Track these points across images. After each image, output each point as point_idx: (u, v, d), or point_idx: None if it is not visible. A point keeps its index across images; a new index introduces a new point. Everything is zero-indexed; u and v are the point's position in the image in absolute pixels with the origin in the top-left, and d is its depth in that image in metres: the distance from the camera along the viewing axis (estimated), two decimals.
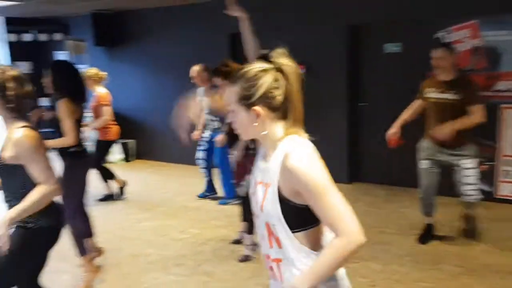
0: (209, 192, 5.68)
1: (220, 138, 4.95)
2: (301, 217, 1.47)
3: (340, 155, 6.19)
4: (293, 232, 1.46)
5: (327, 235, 1.52)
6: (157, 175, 7.22)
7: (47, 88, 3.66)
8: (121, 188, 5.91)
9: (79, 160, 3.67)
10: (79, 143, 3.59)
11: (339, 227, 1.39)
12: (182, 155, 7.14)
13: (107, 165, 5.89)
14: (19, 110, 2.37)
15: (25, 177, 2.32)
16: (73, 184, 3.59)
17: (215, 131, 5.28)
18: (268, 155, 1.53)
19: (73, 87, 3.62)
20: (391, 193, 5.73)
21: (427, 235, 4.26)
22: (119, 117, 8.28)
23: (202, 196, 5.66)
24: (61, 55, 8.65)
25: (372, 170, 6.22)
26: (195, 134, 5.61)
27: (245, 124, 1.51)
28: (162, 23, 7.59)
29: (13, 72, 2.37)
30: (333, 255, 1.40)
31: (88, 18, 7.80)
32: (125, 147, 8.05)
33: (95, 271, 3.73)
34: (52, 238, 2.50)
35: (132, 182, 6.16)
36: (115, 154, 8.11)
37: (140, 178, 6.99)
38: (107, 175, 5.74)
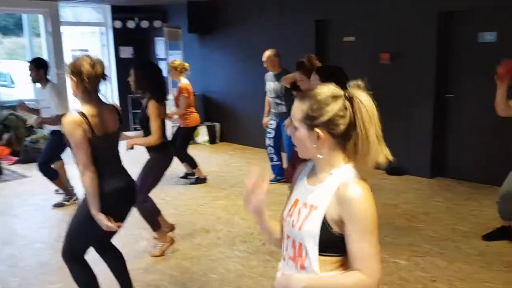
0: (281, 176, 5.79)
1: (288, 122, 5.01)
2: (334, 244, 1.47)
3: (423, 149, 5.97)
4: (320, 255, 1.48)
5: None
6: (238, 157, 7.49)
7: (131, 86, 3.90)
8: (198, 179, 6.08)
9: (162, 153, 3.94)
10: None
11: (367, 265, 1.42)
12: (264, 140, 7.33)
13: (191, 153, 6.09)
14: (89, 92, 2.66)
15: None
16: (153, 174, 3.90)
17: (283, 115, 5.37)
18: (318, 179, 1.53)
19: (156, 88, 3.82)
20: (474, 190, 5.43)
21: (496, 234, 4.03)
22: (207, 101, 8.72)
23: (275, 181, 5.79)
24: (159, 41, 9.24)
25: (456, 165, 5.91)
26: (264, 121, 5.78)
27: (304, 143, 1.52)
28: (252, 10, 7.79)
29: (90, 60, 2.67)
30: (349, 283, 1.43)
31: (184, 6, 8.23)
32: (211, 130, 8.44)
33: (169, 242, 4.05)
34: (122, 202, 2.81)
35: (214, 162, 6.50)
36: (202, 136, 8.53)
37: (222, 159, 7.32)
38: (191, 163, 6.01)
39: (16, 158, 7.33)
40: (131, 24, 9.05)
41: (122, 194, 2.77)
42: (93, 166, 2.61)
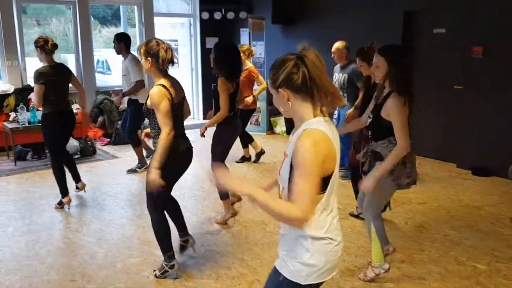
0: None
1: (349, 112, 5.04)
2: None
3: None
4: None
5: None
6: None
7: (211, 63, 4.28)
8: (258, 154, 6.67)
9: (225, 127, 4.28)
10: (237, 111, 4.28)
11: (299, 200, 1.65)
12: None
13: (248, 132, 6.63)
14: (162, 70, 3.21)
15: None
16: (219, 144, 4.29)
17: (342, 107, 5.41)
18: (295, 132, 1.81)
19: (229, 67, 4.20)
20: None
21: None
22: None
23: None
24: (244, 32, 9.41)
25: None
26: None
27: (279, 104, 1.82)
28: (338, 1, 7.69)
29: (164, 45, 3.18)
30: (278, 207, 1.68)
31: None
32: (289, 120, 8.47)
33: (232, 214, 4.42)
34: (188, 159, 3.37)
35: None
36: (280, 126, 8.61)
37: None
38: (247, 139, 6.56)
39: (108, 140, 7.88)
40: (217, 15, 9.29)
41: (189, 153, 3.36)
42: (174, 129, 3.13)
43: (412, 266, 3.58)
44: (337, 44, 5.63)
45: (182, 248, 3.67)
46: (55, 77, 4.61)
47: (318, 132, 1.71)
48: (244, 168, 6.41)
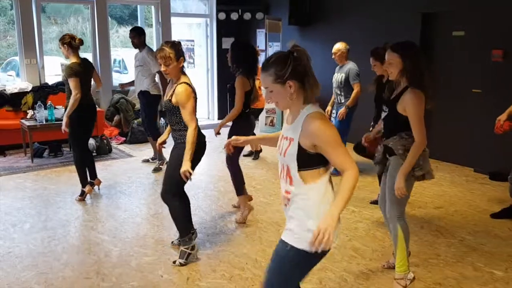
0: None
1: (342, 111, 5.57)
2: (310, 160, 2.01)
3: None
4: (300, 171, 2.03)
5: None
6: None
7: (228, 61, 4.43)
8: (256, 152, 6.92)
9: (244, 122, 4.44)
10: (243, 110, 4.38)
11: (346, 164, 1.97)
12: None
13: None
14: (183, 71, 3.51)
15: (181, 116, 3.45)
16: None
17: (339, 105, 5.75)
18: (292, 119, 2.07)
19: (247, 65, 4.33)
20: None
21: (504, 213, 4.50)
22: None
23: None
24: (260, 33, 9.41)
25: None
26: (327, 109, 6.08)
27: (282, 97, 2.02)
28: (355, 2, 7.65)
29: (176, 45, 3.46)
30: (350, 182, 1.94)
31: None
32: None
33: (249, 209, 4.51)
34: (204, 150, 3.60)
35: None
36: None
37: None
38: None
39: (123, 139, 7.94)
40: (234, 16, 9.30)
41: (205, 145, 3.59)
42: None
43: (427, 271, 3.53)
44: (339, 46, 5.83)
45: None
46: (82, 72, 4.81)
47: (320, 112, 2.02)
48: (251, 163, 6.40)
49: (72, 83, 4.70)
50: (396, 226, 3.16)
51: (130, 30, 6.25)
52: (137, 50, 6.26)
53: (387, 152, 3.16)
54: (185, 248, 3.60)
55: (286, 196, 2.11)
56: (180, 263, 3.58)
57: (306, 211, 2.04)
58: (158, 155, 6.34)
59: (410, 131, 2.98)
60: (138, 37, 6.16)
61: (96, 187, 5.29)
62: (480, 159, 6.15)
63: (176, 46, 3.41)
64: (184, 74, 3.50)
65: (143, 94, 6.16)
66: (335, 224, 1.90)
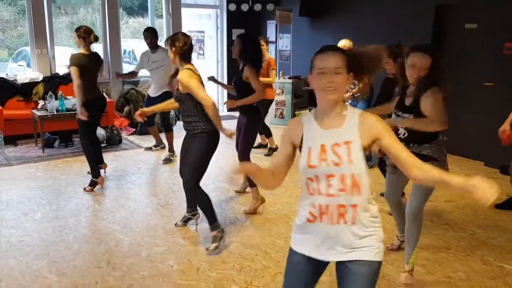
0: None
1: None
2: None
3: None
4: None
5: None
6: None
7: (233, 54, 4.49)
8: (271, 149, 6.75)
9: (257, 115, 4.51)
10: (257, 103, 4.46)
11: (413, 161, 1.85)
12: None
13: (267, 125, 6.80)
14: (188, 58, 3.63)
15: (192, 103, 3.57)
16: (250, 134, 4.49)
17: (353, 98, 5.72)
18: (335, 122, 1.87)
19: (255, 57, 4.40)
20: None
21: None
22: None
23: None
24: (270, 24, 9.37)
25: None
26: None
27: (344, 86, 1.87)
28: None
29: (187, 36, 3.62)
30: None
31: None
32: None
33: (260, 200, 4.55)
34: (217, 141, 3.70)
35: None
36: None
37: None
38: (266, 132, 6.72)
39: (133, 129, 7.98)
40: (245, 7, 9.26)
41: (219, 134, 3.68)
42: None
43: (437, 264, 3.53)
44: (343, 42, 5.87)
45: (186, 220, 4.17)
46: (88, 66, 4.81)
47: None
48: (259, 155, 6.40)
49: (71, 72, 4.74)
50: (413, 223, 3.16)
51: (147, 32, 6.23)
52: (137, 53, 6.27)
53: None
54: (216, 233, 3.69)
55: (354, 210, 1.84)
56: (213, 248, 3.65)
57: (375, 218, 1.91)
58: (169, 147, 6.39)
59: (442, 136, 3.06)
60: (155, 38, 6.20)
61: (102, 171, 5.34)
62: (491, 153, 6.10)
63: (174, 37, 3.59)
64: (188, 62, 3.61)
65: (168, 95, 5.82)
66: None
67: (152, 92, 6.33)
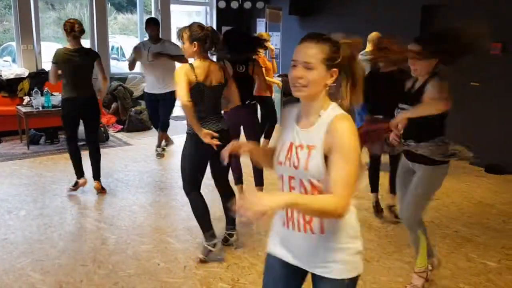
0: None
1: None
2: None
3: None
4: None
5: None
6: None
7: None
8: None
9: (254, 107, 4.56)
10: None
11: (339, 190, 1.52)
12: None
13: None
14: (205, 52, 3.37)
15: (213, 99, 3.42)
16: (255, 127, 4.51)
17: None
18: (309, 122, 1.67)
19: (238, 51, 4.28)
20: None
21: None
22: None
23: None
24: (260, 22, 9.36)
25: None
26: None
27: (319, 82, 1.62)
28: None
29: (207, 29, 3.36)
30: (326, 205, 1.51)
31: None
32: None
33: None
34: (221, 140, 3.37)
35: None
36: None
37: None
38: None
39: (121, 126, 7.92)
40: (234, 5, 9.24)
41: (222, 134, 3.35)
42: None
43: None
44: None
45: (225, 240, 3.75)
46: (72, 61, 4.52)
47: (350, 117, 1.62)
48: None
49: (50, 68, 4.59)
50: (417, 232, 3.10)
51: (149, 23, 5.95)
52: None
53: (414, 158, 3.02)
54: (206, 244, 3.45)
55: (321, 219, 1.65)
56: (200, 260, 3.46)
57: (351, 228, 1.71)
58: (158, 142, 6.40)
59: (445, 137, 3.01)
60: (157, 28, 5.97)
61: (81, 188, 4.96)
62: (476, 152, 6.15)
63: (192, 29, 3.30)
64: (201, 58, 3.33)
65: (172, 93, 5.37)
66: (275, 209, 1.47)
67: (155, 87, 5.99)
